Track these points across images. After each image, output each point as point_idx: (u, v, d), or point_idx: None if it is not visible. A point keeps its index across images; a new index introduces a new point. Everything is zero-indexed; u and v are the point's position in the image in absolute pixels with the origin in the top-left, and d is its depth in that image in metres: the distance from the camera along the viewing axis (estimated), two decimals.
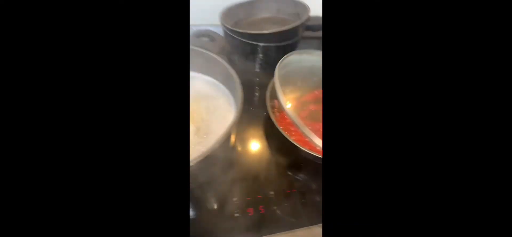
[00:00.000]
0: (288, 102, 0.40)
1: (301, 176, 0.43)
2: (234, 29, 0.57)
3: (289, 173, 0.43)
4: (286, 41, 0.58)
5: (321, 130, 0.37)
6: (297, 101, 0.45)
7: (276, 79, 0.42)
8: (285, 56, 0.47)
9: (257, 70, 0.62)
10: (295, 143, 0.39)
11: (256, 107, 0.53)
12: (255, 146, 0.47)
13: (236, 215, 0.37)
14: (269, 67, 0.61)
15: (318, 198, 0.40)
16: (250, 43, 0.57)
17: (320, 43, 0.74)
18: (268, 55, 0.59)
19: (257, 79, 0.59)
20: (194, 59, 0.44)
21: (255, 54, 0.60)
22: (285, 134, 0.40)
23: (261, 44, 0.57)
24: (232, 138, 0.45)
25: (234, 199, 0.39)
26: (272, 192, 0.40)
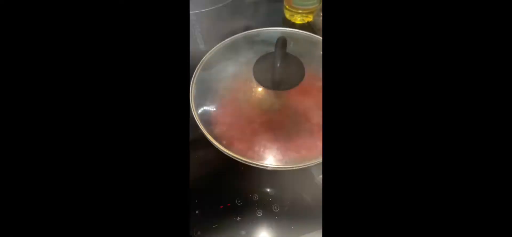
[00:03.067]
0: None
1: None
2: None
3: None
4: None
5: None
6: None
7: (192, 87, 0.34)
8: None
9: (200, 46, 0.47)
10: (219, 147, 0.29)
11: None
12: None
13: None
14: (210, 41, 0.44)
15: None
16: None
17: None
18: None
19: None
20: None
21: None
22: (209, 137, 0.30)
23: None
24: None
25: None
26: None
